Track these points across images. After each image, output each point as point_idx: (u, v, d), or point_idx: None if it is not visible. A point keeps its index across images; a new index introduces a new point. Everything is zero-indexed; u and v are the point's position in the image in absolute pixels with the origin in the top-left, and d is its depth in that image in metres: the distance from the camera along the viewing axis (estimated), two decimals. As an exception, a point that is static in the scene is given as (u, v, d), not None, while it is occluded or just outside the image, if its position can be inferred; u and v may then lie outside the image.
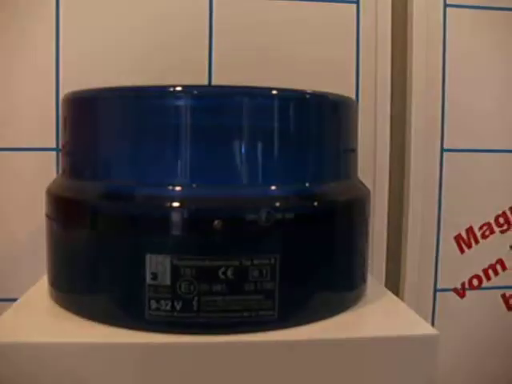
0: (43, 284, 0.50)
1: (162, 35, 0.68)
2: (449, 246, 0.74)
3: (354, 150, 0.50)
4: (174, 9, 0.68)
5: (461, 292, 0.75)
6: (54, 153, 0.67)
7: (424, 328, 0.43)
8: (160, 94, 0.44)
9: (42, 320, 0.44)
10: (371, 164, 0.70)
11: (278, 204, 0.41)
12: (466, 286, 0.75)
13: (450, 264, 0.75)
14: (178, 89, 0.43)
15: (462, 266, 0.75)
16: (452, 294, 0.75)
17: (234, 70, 0.68)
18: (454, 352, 0.74)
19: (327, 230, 0.44)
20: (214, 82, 0.68)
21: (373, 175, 0.70)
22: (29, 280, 0.52)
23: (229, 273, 0.39)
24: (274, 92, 0.44)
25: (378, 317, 0.46)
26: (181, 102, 0.43)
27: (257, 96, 0.44)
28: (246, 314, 0.40)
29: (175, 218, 0.40)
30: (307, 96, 0.46)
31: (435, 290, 0.75)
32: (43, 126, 0.67)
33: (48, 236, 0.47)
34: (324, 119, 0.47)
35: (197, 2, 0.68)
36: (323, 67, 0.69)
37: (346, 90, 0.67)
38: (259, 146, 0.43)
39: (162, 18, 0.68)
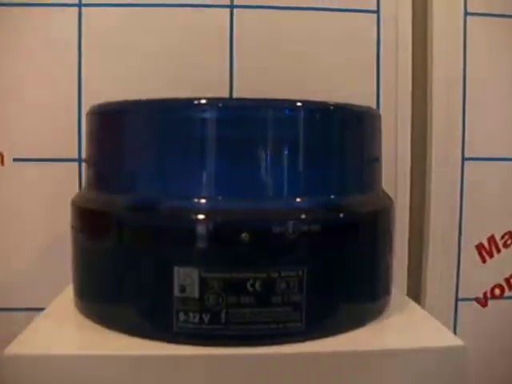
0: (69, 294, 0.50)
1: (182, 47, 0.68)
2: (470, 255, 0.74)
3: (378, 160, 0.50)
4: (195, 21, 0.68)
5: (483, 301, 0.75)
6: (76, 163, 0.68)
7: (450, 339, 0.43)
8: (185, 106, 0.44)
9: (68, 332, 0.45)
10: (392, 174, 0.70)
11: (303, 216, 0.41)
12: (488, 295, 0.75)
13: (472, 273, 0.74)
14: (203, 101, 0.43)
15: (483, 275, 0.74)
16: (474, 303, 0.74)
17: (255, 82, 0.68)
18: (476, 363, 0.73)
19: (353, 241, 0.44)
20: (235, 94, 0.68)
21: (394, 185, 0.70)
22: (55, 290, 0.52)
23: (257, 285, 0.39)
24: (299, 104, 0.44)
25: (403, 328, 0.46)
26: (206, 115, 0.43)
27: (281, 108, 0.44)
28: (273, 325, 0.40)
29: (203, 230, 0.40)
30: (331, 107, 0.46)
31: (457, 300, 0.74)
32: (65, 136, 0.68)
33: (74, 247, 0.48)
34: (348, 130, 0.47)
35: (218, 13, 0.68)
36: (343, 77, 0.69)
37: (366, 99, 0.68)
38: (284, 158, 0.43)
39: (184, 30, 0.68)
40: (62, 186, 0.66)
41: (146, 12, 0.68)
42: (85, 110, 0.51)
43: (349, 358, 0.41)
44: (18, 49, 0.67)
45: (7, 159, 0.68)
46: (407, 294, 0.70)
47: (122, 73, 0.68)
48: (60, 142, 0.68)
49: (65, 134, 0.68)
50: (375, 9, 0.70)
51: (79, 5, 0.67)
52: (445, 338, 0.43)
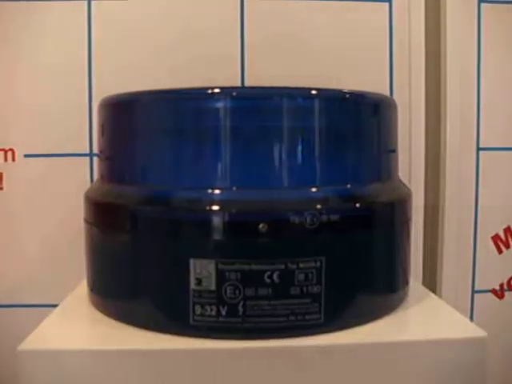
0: (82, 289, 0.50)
1: (193, 37, 0.67)
2: (486, 246, 0.73)
3: (394, 151, 0.49)
4: (206, 11, 0.68)
5: (499, 293, 0.74)
6: (88, 158, 0.67)
7: (473, 330, 0.42)
8: (198, 96, 0.43)
9: (83, 327, 0.44)
10: (406, 164, 0.69)
11: (320, 206, 0.40)
12: (505, 286, 0.74)
13: (488, 265, 0.73)
14: (217, 90, 0.42)
15: (500, 267, 0.73)
16: (490, 295, 0.74)
17: (266, 71, 0.67)
18: (493, 355, 0.72)
19: (370, 231, 0.43)
20: (247, 83, 0.67)
21: (408, 175, 0.69)
22: (68, 285, 0.52)
23: (274, 277, 0.39)
24: (314, 92, 0.43)
25: (423, 319, 0.45)
26: (220, 104, 0.42)
27: (296, 96, 0.43)
28: (291, 318, 0.40)
29: (218, 221, 0.40)
30: (347, 96, 0.45)
31: (473, 292, 0.73)
32: (76, 131, 0.67)
33: (87, 241, 0.47)
34: (364, 119, 0.46)
35: (228, 3, 0.68)
36: (356, 67, 0.68)
37: (379, 89, 0.66)
38: (300, 147, 0.42)
39: (195, 21, 0.68)
40: (73, 182, 0.66)
41: (157, 3, 0.67)
42: (95, 104, 0.50)
43: (370, 350, 0.40)
44: (27, 44, 0.67)
45: (18, 155, 0.68)
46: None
47: (132, 65, 0.67)
48: (71, 137, 0.68)
49: (75, 130, 0.68)
50: (387, -2, 0.69)
51: (88, -2, 0.67)
52: (467, 329, 0.43)
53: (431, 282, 0.73)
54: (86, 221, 0.47)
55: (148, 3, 0.67)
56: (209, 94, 0.43)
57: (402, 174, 0.54)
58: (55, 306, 0.48)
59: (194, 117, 0.43)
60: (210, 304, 0.39)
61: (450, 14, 0.69)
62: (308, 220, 0.39)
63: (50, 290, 0.64)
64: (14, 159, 0.67)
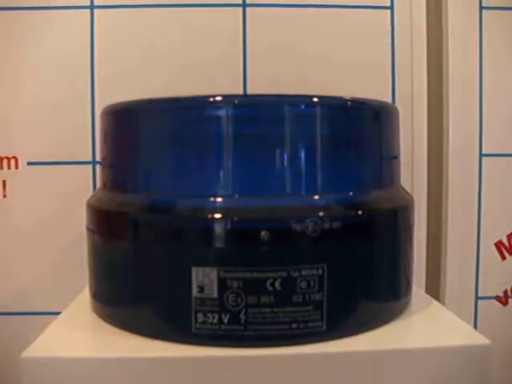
0: (85, 297, 0.50)
1: (195, 46, 0.68)
2: (490, 252, 0.73)
3: (396, 157, 0.49)
4: (207, 21, 0.68)
5: (503, 300, 0.73)
6: (90, 166, 0.68)
7: (476, 338, 0.42)
8: (201, 104, 0.43)
9: (85, 334, 0.44)
10: (409, 170, 0.69)
11: (322, 213, 0.40)
12: (509, 293, 0.73)
13: (492, 271, 0.73)
14: (219, 98, 0.42)
15: (503, 273, 0.73)
16: (494, 302, 0.73)
17: (268, 79, 0.67)
18: (497, 363, 0.72)
19: (373, 238, 0.43)
20: (249, 89, 0.68)
21: (411, 182, 0.69)
22: (71, 293, 0.52)
23: (276, 284, 0.39)
24: (316, 99, 0.43)
25: (426, 326, 0.45)
26: (222, 112, 0.42)
27: (298, 104, 0.43)
28: (294, 325, 0.39)
29: (220, 229, 0.40)
30: (349, 103, 0.45)
31: (476, 298, 0.73)
32: (79, 139, 0.68)
33: (90, 249, 0.47)
34: (367, 126, 0.46)
35: (230, 12, 0.68)
36: (358, 74, 0.68)
37: (382, 96, 0.66)
38: (302, 154, 0.42)
39: (196, 30, 0.68)
40: (76, 190, 0.66)
41: (158, 13, 0.68)
42: (98, 113, 0.51)
43: (372, 358, 0.40)
44: (31, 52, 0.67)
45: (21, 163, 0.68)
46: (426, 293, 0.69)
47: (135, 72, 0.67)
48: (74, 145, 0.68)
49: (78, 138, 0.68)
50: (389, 5, 0.69)
51: (91, 7, 0.67)
52: (470, 337, 0.42)
53: (434, 289, 0.73)
54: (89, 228, 0.47)
55: (150, 11, 0.68)
56: (211, 102, 0.43)
57: (405, 180, 0.54)
58: (58, 313, 0.48)
59: (196, 125, 0.43)
60: (212, 312, 0.39)
61: (452, 21, 0.69)
62: (310, 227, 0.39)
63: (53, 297, 0.64)
64: (17, 167, 0.68)
